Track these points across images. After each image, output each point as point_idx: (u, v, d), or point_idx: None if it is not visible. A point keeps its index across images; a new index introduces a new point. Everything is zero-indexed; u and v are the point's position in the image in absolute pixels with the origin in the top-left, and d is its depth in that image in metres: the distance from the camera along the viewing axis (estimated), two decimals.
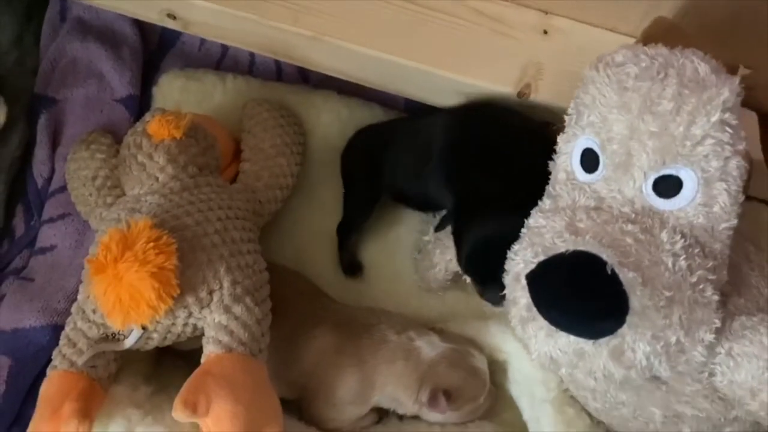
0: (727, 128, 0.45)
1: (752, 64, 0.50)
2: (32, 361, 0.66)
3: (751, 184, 0.51)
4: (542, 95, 0.64)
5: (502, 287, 0.51)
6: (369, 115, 0.76)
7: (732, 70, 0.48)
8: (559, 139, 0.52)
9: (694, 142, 0.45)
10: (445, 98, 0.69)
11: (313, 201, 0.75)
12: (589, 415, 0.61)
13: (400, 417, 0.66)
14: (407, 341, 0.63)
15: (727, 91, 0.45)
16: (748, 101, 0.48)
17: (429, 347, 0.62)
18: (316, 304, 0.67)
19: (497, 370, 0.66)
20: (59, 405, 0.54)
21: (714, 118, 0.44)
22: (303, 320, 0.65)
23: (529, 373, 0.63)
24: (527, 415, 0.64)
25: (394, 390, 0.62)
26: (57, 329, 0.65)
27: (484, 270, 0.58)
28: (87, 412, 0.53)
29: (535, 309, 0.46)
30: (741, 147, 0.46)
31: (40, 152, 0.77)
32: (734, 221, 0.48)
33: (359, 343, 0.63)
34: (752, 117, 0.53)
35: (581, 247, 0.44)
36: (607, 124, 0.47)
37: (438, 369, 0.61)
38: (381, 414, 0.66)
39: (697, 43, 0.49)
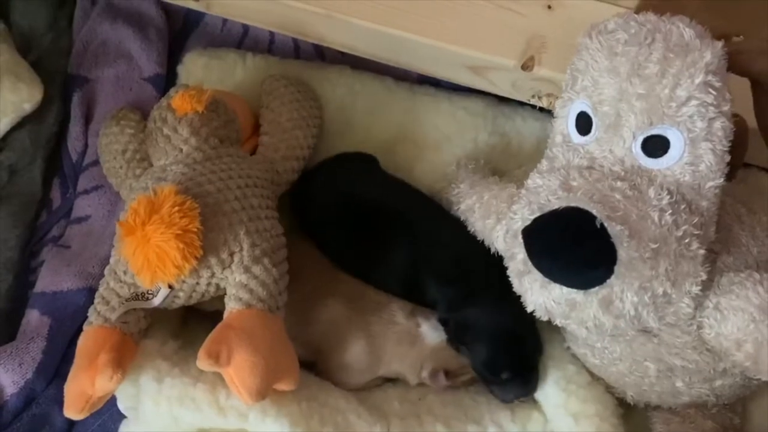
0: (711, 90, 0.47)
1: (746, 31, 0.52)
2: (70, 320, 0.71)
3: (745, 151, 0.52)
4: (545, 68, 0.67)
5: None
6: (381, 87, 0.79)
7: (727, 39, 0.50)
8: (557, 103, 0.54)
9: (679, 103, 0.47)
10: (454, 72, 0.71)
11: None
12: (590, 373, 0.64)
13: None
14: (414, 327, 0.66)
15: (710, 54, 0.47)
16: (739, 67, 0.50)
17: (434, 333, 0.65)
18: (330, 275, 0.70)
19: None
20: (95, 356, 0.58)
21: (698, 80, 0.46)
22: (317, 288, 0.68)
23: None
24: None
25: (399, 367, 0.66)
26: (92, 291, 0.70)
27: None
28: (120, 362, 0.57)
29: (530, 262, 0.49)
30: (726, 108, 0.48)
31: (74, 128, 0.81)
32: (720, 180, 0.50)
33: (369, 319, 0.67)
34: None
35: (573, 203, 0.47)
36: (599, 87, 0.50)
37: (440, 354, 0.65)
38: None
39: (692, 11, 0.50)
